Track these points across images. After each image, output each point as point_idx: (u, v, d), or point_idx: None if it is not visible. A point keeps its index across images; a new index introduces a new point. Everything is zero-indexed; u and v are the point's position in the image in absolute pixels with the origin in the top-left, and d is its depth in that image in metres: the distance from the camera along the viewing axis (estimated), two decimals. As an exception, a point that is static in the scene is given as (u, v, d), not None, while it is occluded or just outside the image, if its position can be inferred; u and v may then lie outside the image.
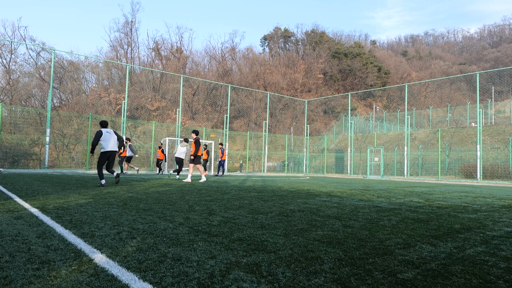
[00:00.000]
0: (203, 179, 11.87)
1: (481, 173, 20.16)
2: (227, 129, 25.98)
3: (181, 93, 24.57)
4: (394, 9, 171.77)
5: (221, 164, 18.63)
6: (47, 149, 17.79)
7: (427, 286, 1.81)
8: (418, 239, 2.96)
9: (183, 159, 13.23)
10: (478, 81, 21.82)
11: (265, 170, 28.38)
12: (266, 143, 28.29)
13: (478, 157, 20.29)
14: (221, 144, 18.62)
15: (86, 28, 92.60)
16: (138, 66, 49.39)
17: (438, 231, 3.35)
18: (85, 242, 2.54)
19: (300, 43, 76.29)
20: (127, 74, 22.43)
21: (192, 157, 11.83)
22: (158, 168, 18.66)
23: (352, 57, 67.74)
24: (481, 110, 21.99)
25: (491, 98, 41.81)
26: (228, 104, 27.38)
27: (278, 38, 77.71)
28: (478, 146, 20.43)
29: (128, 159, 16.95)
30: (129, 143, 16.88)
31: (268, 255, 2.31)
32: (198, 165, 11.96)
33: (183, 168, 14.07)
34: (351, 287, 1.77)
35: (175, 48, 58.11)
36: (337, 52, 68.41)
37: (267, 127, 28.67)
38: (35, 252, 2.25)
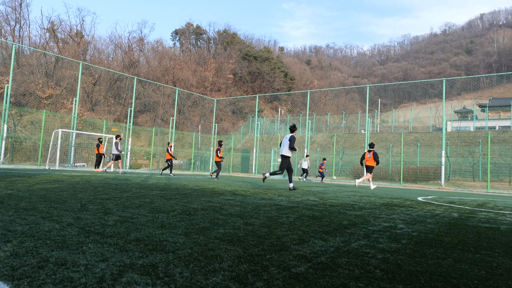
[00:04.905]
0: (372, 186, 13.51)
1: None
2: (131, 124, 24.55)
3: (79, 81, 22.40)
4: (301, 21, 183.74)
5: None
6: None
7: (316, 278, 1.94)
8: (311, 234, 3.18)
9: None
10: (368, 93, 24.56)
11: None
12: (173, 140, 27.54)
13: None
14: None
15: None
16: (27, 47, 43.55)
17: (329, 227, 3.65)
18: None
19: (212, 41, 76.23)
20: (13, 54, 19.60)
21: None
22: (165, 169, 18.15)
23: (262, 60, 70.21)
24: (369, 119, 24.80)
25: (378, 109, 47.45)
26: (133, 98, 25.90)
27: (190, 34, 76.47)
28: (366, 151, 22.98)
29: (117, 158, 16.86)
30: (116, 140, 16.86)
31: (166, 255, 2.22)
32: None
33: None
34: (248, 283, 1.80)
35: (75, 31, 52.82)
36: (248, 54, 70.17)
37: (174, 124, 27.93)
38: None
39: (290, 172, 10.10)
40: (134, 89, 25.90)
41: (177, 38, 76.48)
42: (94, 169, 17.58)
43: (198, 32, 75.97)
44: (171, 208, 4.45)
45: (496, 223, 4.76)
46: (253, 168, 28.68)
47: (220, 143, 17.03)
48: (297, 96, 67.99)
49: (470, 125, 51.06)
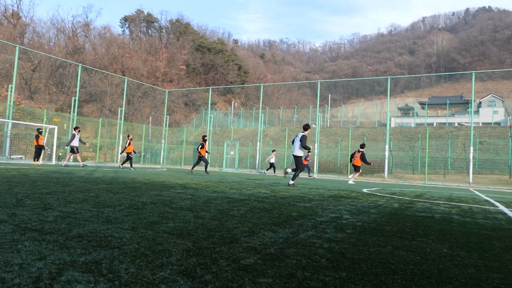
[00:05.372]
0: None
1: (317, 168, 23.47)
2: (75, 114, 23.15)
3: (15, 67, 20.64)
4: (255, 15, 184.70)
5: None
6: None
7: (265, 269, 1.98)
8: (262, 226, 3.22)
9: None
10: (319, 88, 25.27)
11: (119, 160, 26.49)
12: (121, 132, 26.44)
13: (316, 154, 23.53)
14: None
15: None
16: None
17: (279, 219, 3.72)
18: None
19: (164, 30, 73.91)
20: None
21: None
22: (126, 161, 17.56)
23: (215, 52, 69.40)
24: (320, 114, 25.55)
25: (328, 104, 49.02)
26: (78, 86, 24.41)
27: (140, 22, 73.49)
28: (316, 145, 23.69)
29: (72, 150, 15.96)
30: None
31: (111, 251, 2.13)
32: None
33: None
34: (196, 277, 1.79)
35: (11, 11, 48.51)
36: (201, 45, 68.99)
37: (123, 115, 26.80)
38: None
39: (297, 170, 10.19)
40: (79, 77, 24.41)
41: (127, 25, 73.10)
42: (33, 162, 16.43)
43: (149, 20, 73.18)
44: (117, 203, 4.28)
45: (431, 212, 5.16)
46: (206, 161, 28.39)
47: (204, 138, 16.57)
48: (250, 89, 68.21)
49: (411, 121, 54.59)
